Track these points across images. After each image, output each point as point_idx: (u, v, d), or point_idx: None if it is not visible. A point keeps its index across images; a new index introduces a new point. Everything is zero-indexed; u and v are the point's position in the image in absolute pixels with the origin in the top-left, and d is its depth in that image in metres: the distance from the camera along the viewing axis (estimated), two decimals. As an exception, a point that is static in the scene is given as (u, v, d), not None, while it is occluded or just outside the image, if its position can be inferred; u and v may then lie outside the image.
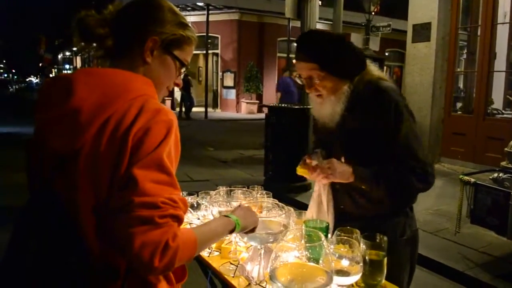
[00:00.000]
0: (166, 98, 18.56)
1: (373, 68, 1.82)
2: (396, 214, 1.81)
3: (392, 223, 1.79)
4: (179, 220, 1.05)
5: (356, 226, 1.49)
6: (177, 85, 1.32)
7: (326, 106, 1.78)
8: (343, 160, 1.83)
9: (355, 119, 1.74)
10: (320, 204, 1.92)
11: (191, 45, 1.30)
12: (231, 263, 1.64)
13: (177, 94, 19.16)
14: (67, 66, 43.66)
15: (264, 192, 1.90)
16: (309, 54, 1.73)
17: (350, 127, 1.77)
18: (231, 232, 1.31)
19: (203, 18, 18.46)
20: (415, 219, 1.89)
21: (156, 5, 1.24)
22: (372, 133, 1.71)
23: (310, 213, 1.93)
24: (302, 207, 1.96)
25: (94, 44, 1.24)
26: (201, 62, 22.12)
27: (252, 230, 1.41)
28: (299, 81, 1.85)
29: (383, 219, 1.76)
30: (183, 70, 1.30)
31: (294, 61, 1.85)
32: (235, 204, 1.63)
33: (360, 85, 1.74)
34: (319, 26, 7.15)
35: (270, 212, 1.61)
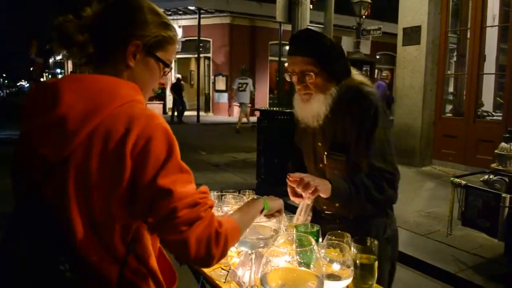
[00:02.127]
0: (157, 102, 18.57)
1: (355, 73, 1.88)
2: (377, 215, 1.85)
3: (373, 224, 1.84)
4: (212, 207, 1.14)
5: (339, 227, 1.52)
6: (162, 84, 1.32)
7: (313, 105, 1.80)
8: (325, 161, 1.87)
9: (337, 121, 1.80)
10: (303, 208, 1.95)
11: (174, 44, 1.28)
12: (222, 268, 1.63)
13: (169, 98, 19.11)
14: (58, 70, 43.43)
15: (256, 197, 1.89)
16: (307, 48, 1.76)
17: (332, 129, 1.82)
18: (261, 212, 1.41)
19: (195, 22, 18.47)
20: (395, 218, 1.96)
21: (136, 7, 1.21)
22: (350, 135, 1.78)
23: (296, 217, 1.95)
24: (293, 211, 1.97)
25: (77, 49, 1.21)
26: (193, 66, 22.13)
27: (279, 211, 1.51)
28: (287, 78, 1.86)
29: (364, 220, 1.83)
30: (167, 70, 1.28)
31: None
32: (226, 209, 1.62)
33: (343, 89, 1.79)
34: (310, 29, 7.13)
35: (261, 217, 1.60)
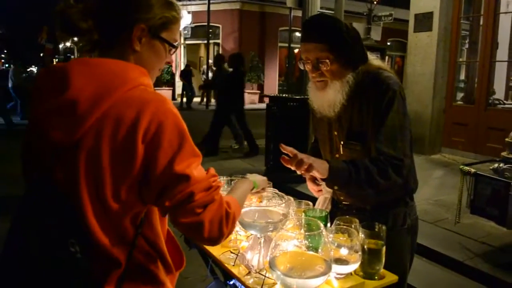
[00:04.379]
0: (167, 88, 18.58)
1: (373, 58, 1.80)
2: (395, 204, 1.81)
3: (392, 214, 1.79)
4: (220, 188, 1.19)
5: (357, 218, 1.51)
6: (168, 63, 1.31)
7: (329, 92, 1.73)
8: (341, 151, 1.84)
9: (353, 109, 1.73)
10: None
11: (177, 22, 1.27)
12: (231, 252, 1.65)
13: (178, 84, 19.11)
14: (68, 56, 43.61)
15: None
16: (321, 34, 1.69)
17: (348, 117, 1.76)
18: (251, 190, 1.52)
19: (204, 8, 18.37)
20: (415, 207, 1.89)
21: None
22: (367, 122, 1.71)
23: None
24: (302, 197, 1.97)
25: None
26: (202, 52, 22.04)
27: (264, 188, 1.63)
28: (301, 66, 1.80)
29: (383, 210, 1.77)
30: (173, 49, 1.28)
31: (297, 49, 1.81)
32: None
33: (360, 75, 1.72)
34: (321, 15, 7.06)
35: (270, 201, 1.62)
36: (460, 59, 8.45)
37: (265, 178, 1.65)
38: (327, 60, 1.69)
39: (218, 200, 1.13)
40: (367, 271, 1.44)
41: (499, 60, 7.96)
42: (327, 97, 1.75)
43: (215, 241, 1.15)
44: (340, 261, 1.37)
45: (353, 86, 1.71)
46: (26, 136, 1.18)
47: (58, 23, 1.17)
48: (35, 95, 1.15)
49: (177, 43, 1.29)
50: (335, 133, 1.85)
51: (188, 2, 19.67)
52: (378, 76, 1.71)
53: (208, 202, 1.11)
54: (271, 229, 1.46)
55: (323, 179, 1.68)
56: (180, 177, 1.06)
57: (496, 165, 3.92)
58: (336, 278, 1.40)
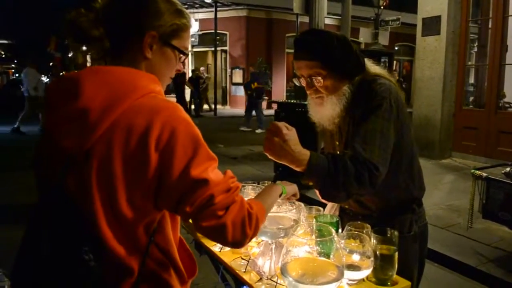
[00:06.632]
0: (175, 95, 18.67)
1: (370, 65, 1.77)
2: (402, 211, 1.79)
3: (398, 220, 1.76)
4: (239, 190, 1.19)
5: None
6: (178, 71, 1.31)
7: (326, 107, 1.72)
8: None
9: (351, 119, 1.71)
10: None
11: (188, 30, 1.27)
12: (242, 258, 1.64)
13: (186, 91, 19.20)
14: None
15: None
16: (310, 51, 1.67)
17: (346, 128, 1.75)
18: (280, 195, 1.47)
19: (211, 15, 18.49)
20: (423, 214, 1.87)
21: None
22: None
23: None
24: (312, 203, 1.97)
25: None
26: (209, 59, 22.17)
27: (295, 195, 1.59)
28: (297, 83, 1.80)
29: (389, 217, 1.75)
30: (183, 57, 1.28)
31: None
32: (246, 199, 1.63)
33: (356, 85, 1.69)
34: (328, 21, 7.12)
35: (280, 207, 1.61)
36: (469, 63, 8.41)
37: (295, 185, 1.60)
38: (319, 78, 1.67)
39: (238, 201, 1.13)
40: (379, 277, 1.42)
41: (509, 63, 7.88)
42: (325, 112, 1.74)
43: (239, 244, 1.14)
44: (352, 267, 1.35)
45: (350, 97, 1.69)
46: (38, 144, 1.19)
47: (69, 32, 1.18)
48: (48, 104, 1.15)
49: (187, 50, 1.29)
50: (337, 143, 1.84)
51: (195, 10, 19.81)
52: (371, 84, 1.67)
53: (229, 203, 1.10)
54: (282, 235, 1.45)
55: (300, 171, 1.58)
56: (198, 181, 1.06)
57: (508, 169, 3.88)
58: (349, 284, 1.38)
